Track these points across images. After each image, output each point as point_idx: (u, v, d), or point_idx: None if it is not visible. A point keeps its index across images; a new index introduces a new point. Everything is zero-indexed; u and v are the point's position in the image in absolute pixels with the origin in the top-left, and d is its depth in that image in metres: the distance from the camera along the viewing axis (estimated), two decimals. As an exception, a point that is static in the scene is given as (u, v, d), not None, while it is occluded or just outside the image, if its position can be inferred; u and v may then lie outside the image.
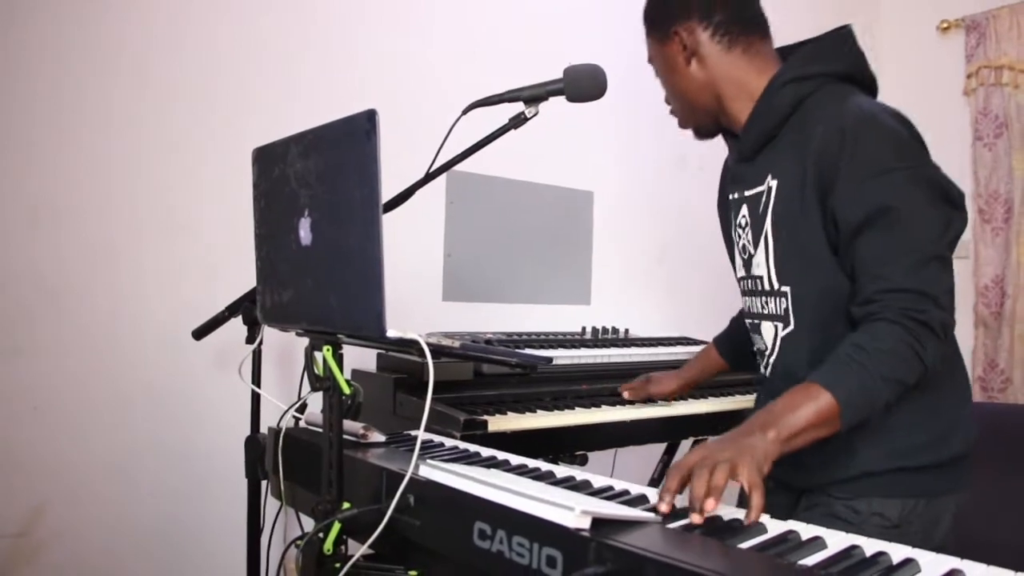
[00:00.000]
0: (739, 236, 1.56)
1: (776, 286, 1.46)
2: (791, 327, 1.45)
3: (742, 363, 1.95)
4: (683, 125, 1.60)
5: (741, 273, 1.58)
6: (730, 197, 1.59)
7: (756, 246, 1.50)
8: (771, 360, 1.52)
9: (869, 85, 1.46)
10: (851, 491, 1.40)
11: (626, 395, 2.08)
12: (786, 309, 1.45)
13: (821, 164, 1.33)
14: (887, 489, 1.38)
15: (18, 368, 2.04)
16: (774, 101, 1.43)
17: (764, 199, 1.46)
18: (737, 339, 1.93)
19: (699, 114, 1.54)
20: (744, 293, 1.59)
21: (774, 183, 1.44)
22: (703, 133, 1.59)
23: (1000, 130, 3.55)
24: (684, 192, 3.32)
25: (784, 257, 1.44)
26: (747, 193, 1.52)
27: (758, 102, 1.45)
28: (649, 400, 2.08)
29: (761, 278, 1.50)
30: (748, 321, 1.60)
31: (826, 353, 1.36)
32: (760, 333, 1.55)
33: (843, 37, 1.46)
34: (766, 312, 1.50)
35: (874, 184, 1.28)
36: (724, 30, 1.46)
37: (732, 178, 1.59)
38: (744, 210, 1.53)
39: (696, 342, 2.54)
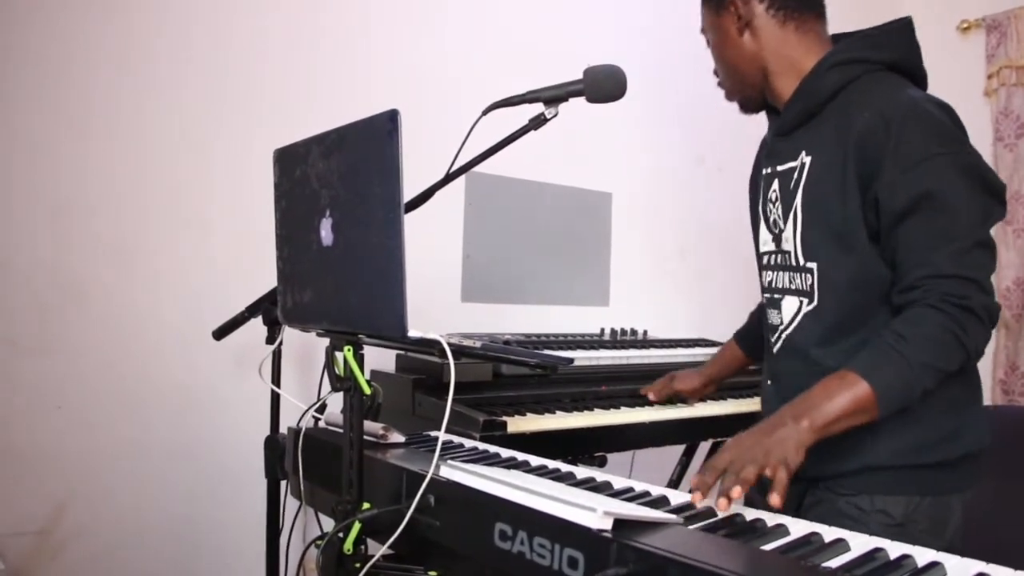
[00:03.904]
0: (770, 211, 1.56)
1: (803, 262, 1.46)
2: (815, 303, 1.45)
3: (762, 355, 1.95)
4: (729, 97, 1.62)
5: (771, 247, 1.58)
6: (764, 172, 1.60)
7: (785, 221, 1.50)
8: (784, 334, 1.52)
9: (918, 78, 1.46)
10: (855, 487, 1.39)
11: (651, 396, 2.07)
12: (811, 285, 1.45)
13: (865, 150, 1.33)
14: (891, 486, 1.37)
15: (42, 367, 2.05)
16: (820, 81, 1.43)
17: (796, 175, 1.47)
18: (757, 332, 1.92)
19: (746, 87, 1.56)
20: (768, 268, 1.59)
21: (808, 159, 1.45)
22: (748, 106, 1.60)
23: (1021, 130, 3.52)
24: (703, 193, 3.31)
25: (812, 234, 1.44)
26: (779, 168, 1.53)
27: (804, 80, 1.46)
28: (674, 396, 2.07)
29: (789, 253, 1.50)
30: (767, 296, 1.59)
31: (843, 333, 1.37)
32: (779, 308, 1.54)
33: (902, 28, 1.47)
34: (792, 287, 1.50)
35: (916, 171, 1.28)
36: (779, 4, 1.47)
37: (768, 153, 1.59)
38: (775, 184, 1.54)
39: (714, 343, 2.53)
